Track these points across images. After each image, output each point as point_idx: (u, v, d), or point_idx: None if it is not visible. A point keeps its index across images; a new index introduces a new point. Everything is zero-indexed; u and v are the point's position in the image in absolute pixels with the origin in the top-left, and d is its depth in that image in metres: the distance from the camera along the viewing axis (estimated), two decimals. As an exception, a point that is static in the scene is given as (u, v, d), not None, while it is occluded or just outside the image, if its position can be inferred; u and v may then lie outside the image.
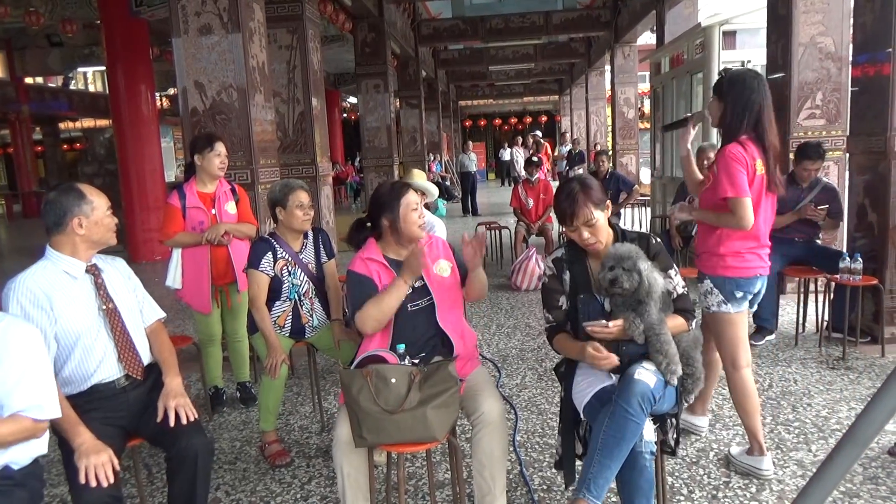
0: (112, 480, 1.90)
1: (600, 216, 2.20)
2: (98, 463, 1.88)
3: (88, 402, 2.13)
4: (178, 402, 2.14)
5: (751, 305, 2.79)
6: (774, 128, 2.68)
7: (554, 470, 2.77)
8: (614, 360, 2.10)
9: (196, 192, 3.53)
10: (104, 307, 2.20)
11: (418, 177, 4.20)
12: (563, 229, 2.31)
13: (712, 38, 6.62)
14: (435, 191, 4.27)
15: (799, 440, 2.97)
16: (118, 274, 2.32)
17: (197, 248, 3.49)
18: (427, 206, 4.31)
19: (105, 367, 2.19)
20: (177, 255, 3.51)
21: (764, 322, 4.38)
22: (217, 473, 2.95)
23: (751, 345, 4.23)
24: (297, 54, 5.66)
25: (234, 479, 2.92)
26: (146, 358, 2.32)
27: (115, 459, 1.93)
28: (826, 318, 4.31)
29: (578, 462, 2.31)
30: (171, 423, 2.10)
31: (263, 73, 4.54)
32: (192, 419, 2.14)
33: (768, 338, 4.36)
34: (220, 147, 3.52)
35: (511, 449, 3.01)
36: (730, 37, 6.74)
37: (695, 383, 2.29)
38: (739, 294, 2.69)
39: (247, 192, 4.30)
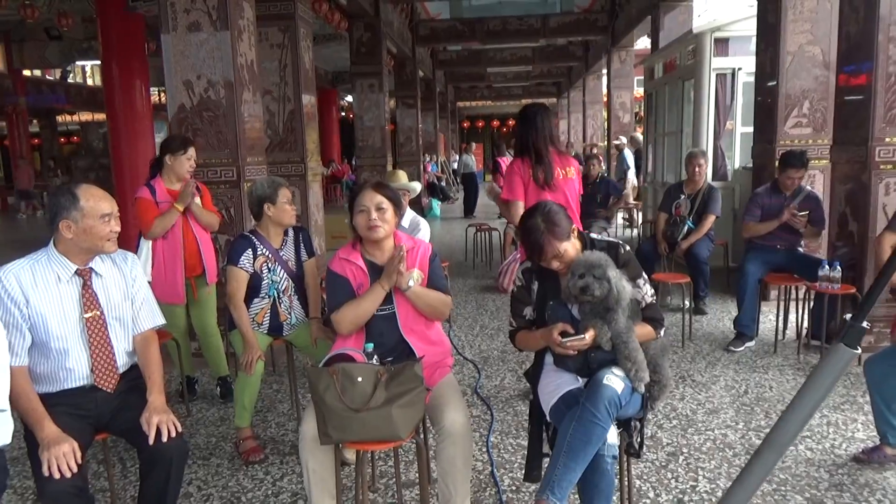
0: (75, 471, 1.90)
1: (568, 245, 2.21)
2: (59, 454, 1.89)
3: (56, 396, 2.14)
4: (161, 419, 2.08)
5: None
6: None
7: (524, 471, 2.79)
8: (567, 351, 2.12)
9: (165, 189, 3.56)
10: (87, 315, 2.17)
11: (401, 177, 4.22)
12: None
13: (704, 44, 6.65)
14: (417, 187, 4.28)
15: (769, 446, 2.99)
16: (121, 277, 2.27)
17: (171, 240, 3.52)
18: (414, 205, 4.32)
19: (75, 376, 2.17)
20: (147, 247, 3.52)
21: (744, 328, 4.41)
22: (190, 469, 2.96)
23: (730, 351, 4.30)
24: (289, 53, 5.67)
25: (207, 474, 2.93)
26: (125, 367, 2.28)
27: (77, 451, 1.94)
28: (805, 325, 4.34)
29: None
30: (151, 440, 2.05)
31: (252, 71, 4.55)
32: (174, 434, 2.09)
33: (748, 344, 4.39)
34: (193, 151, 3.63)
35: (484, 450, 3.03)
36: (722, 44, 6.78)
37: (661, 390, 2.31)
38: None
39: (233, 189, 4.37)
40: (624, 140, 12.34)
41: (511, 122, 29.13)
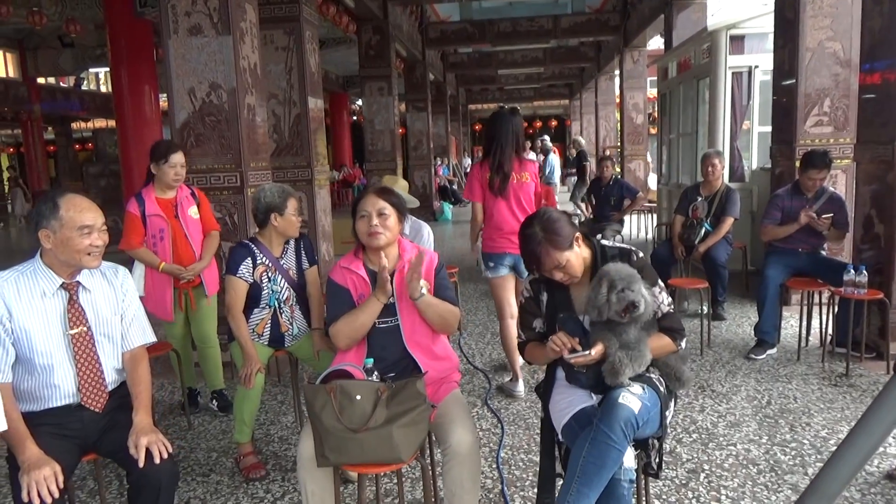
0: (56, 496, 1.80)
1: (570, 255, 2.07)
2: (40, 478, 1.78)
3: (41, 415, 2.04)
4: (150, 440, 1.97)
5: (519, 275, 3.67)
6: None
7: (536, 490, 2.65)
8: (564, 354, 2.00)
9: (155, 199, 3.43)
10: (72, 331, 2.06)
11: (399, 185, 4.06)
12: None
13: (719, 42, 6.49)
14: (414, 202, 4.09)
15: (795, 462, 2.83)
16: (111, 291, 2.16)
17: (159, 255, 3.40)
18: (425, 209, 4.18)
19: (61, 393, 2.06)
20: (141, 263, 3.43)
21: (765, 335, 4.24)
22: (189, 486, 2.86)
23: (751, 359, 4.14)
24: (294, 56, 5.58)
25: (206, 492, 2.82)
26: (114, 385, 2.17)
27: (59, 474, 1.83)
28: (830, 332, 4.16)
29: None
30: (141, 463, 1.93)
31: (255, 75, 4.46)
32: (165, 456, 1.97)
33: (769, 351, 4.21)
34: (176, 158, 3.39)
35: (494, 466, 2.90)
36: (737, 41, 6.60)
37: (682, 385, 2.19)
38: (492, 264, 3.65)
39: (236, 195, 4.27)
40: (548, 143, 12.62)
41: (524, 124, 29.07)
